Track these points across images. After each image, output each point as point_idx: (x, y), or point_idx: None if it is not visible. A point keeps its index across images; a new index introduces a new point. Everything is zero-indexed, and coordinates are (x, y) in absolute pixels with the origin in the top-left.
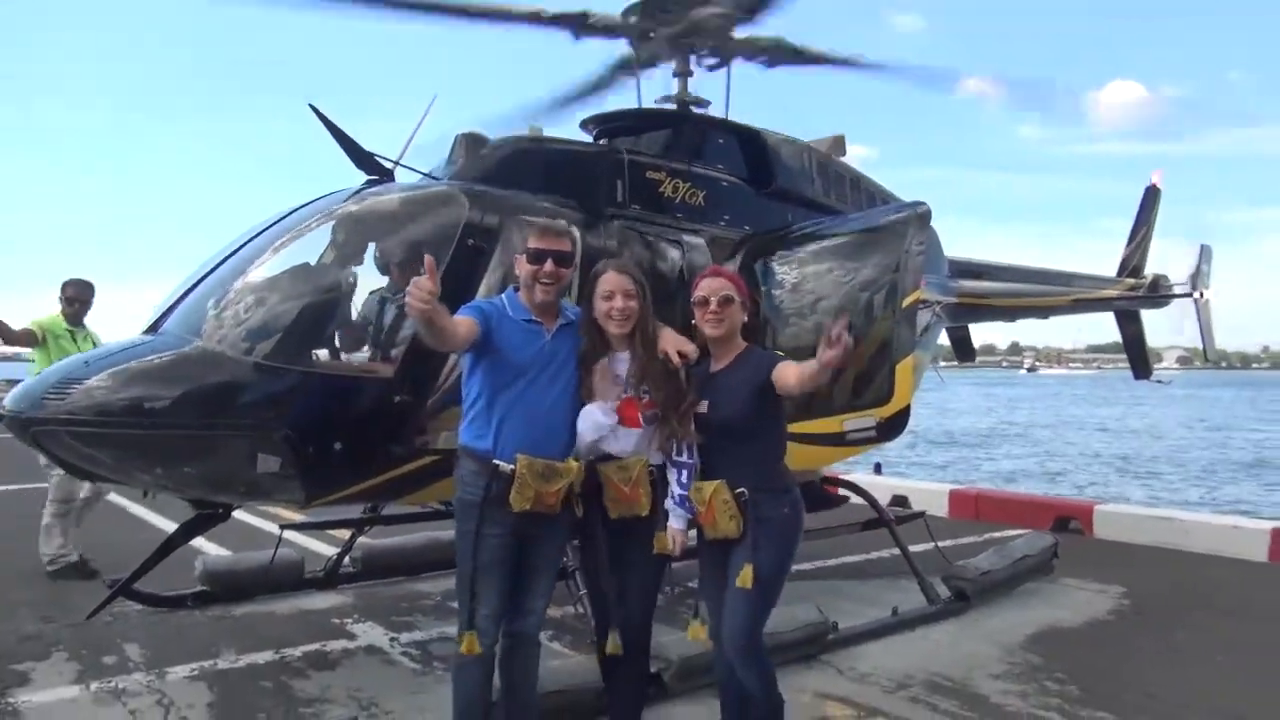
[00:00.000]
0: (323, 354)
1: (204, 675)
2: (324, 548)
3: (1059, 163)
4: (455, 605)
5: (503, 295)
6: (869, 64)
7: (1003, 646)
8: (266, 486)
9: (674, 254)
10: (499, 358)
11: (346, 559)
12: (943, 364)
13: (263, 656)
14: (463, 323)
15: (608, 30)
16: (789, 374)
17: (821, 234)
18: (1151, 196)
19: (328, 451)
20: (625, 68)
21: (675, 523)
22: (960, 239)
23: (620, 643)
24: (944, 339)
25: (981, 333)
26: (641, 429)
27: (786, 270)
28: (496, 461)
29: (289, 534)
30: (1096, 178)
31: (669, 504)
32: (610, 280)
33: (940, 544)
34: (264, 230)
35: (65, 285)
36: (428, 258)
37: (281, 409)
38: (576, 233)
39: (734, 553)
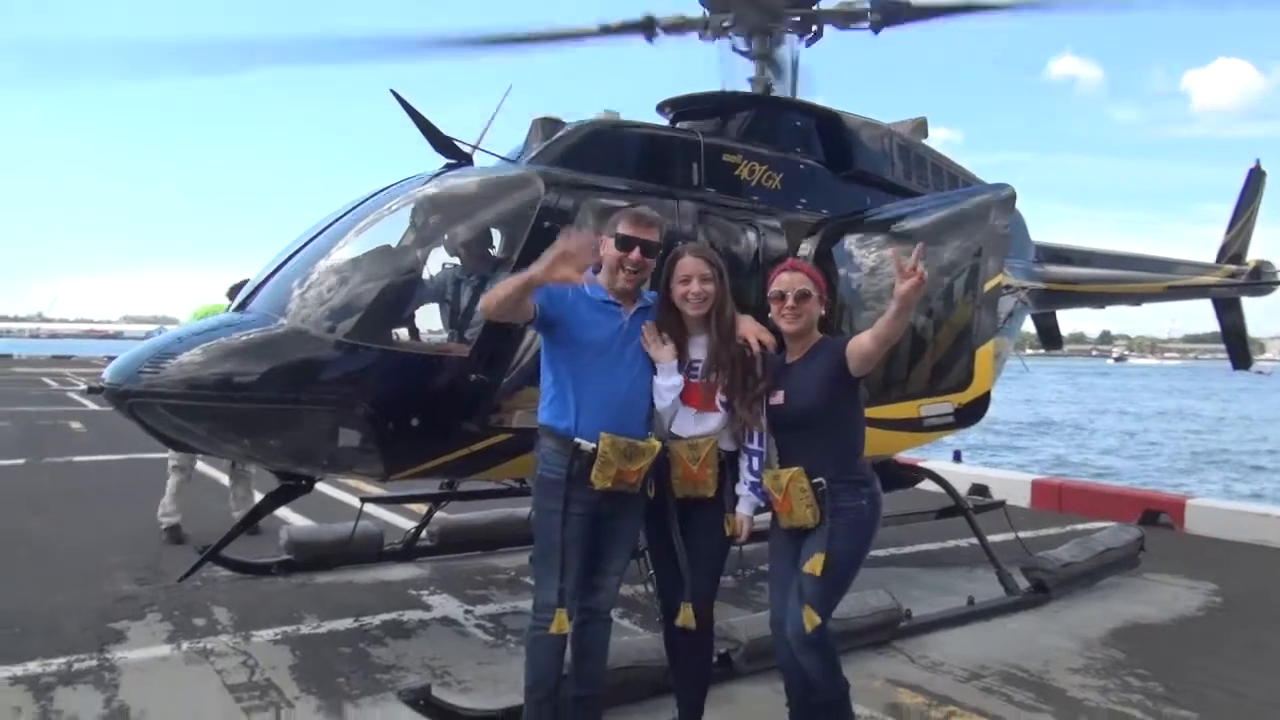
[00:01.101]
0: (402, 333)
1: (287, 639)
2: (403, 522)
3: (1155, 147)
4: (529, 580)
5: (585, 284)
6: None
7: (1083, 640)
8: (347, 460)
9: (750, 237)
10: (576, 337)
11: (424, 533)
12: (1028, 352)
13: (342, 624)
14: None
15: (679, 28)
16: (862, 339)
17: (900, 217)
18: (1255, 180)
19: (406, 427)
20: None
21: (744, 508)
22: (1047, 224)
23: (692, 614)
24: (1030, 326)
25: (1072, 321)
26: (713, 413)
27: (864, 254)
28: (578, 440)
29: (369, 507)
30: (1196, 162)
31: (740, 489)
32: (688, 264)
33: (1020, 534)
34: (346, 213)
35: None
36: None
37: (362, 385)
38: (665, 224)
39: (807, 541)
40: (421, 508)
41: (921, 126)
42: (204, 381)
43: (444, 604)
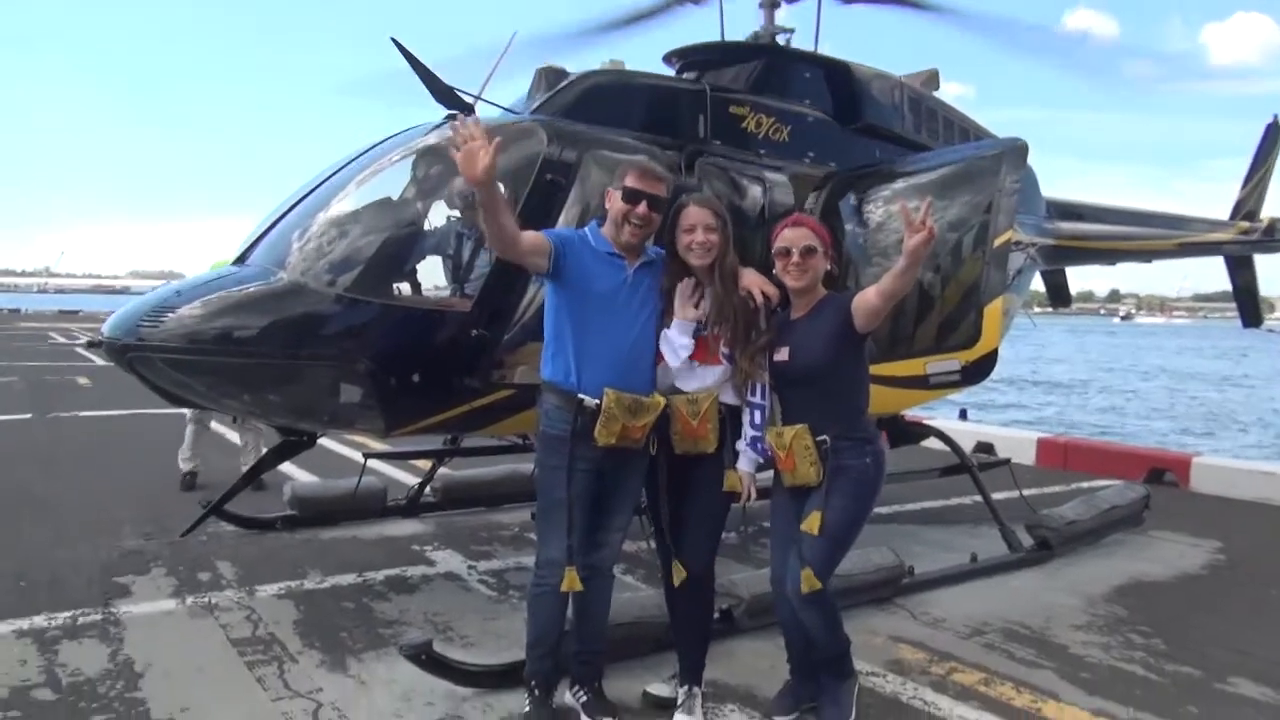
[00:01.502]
0: (403, 287)
1: (291, 594)
2: (407, 477)
3: (1168, 102)
4: (533, 536)
5: (586, 228)
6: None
7: (1086, 597)
8: (348, 415)
9: (756, 191)
10: (579, 289)
11: (427, 489)
12: (1035, 310)
13: (346, 579)
14: (529, 234)
15: None
16: (868, 294)
17: (909, 171)
18: (1272, 136)
19: (407, 383)
20: None
21: (745, 464)
22: (1057, 180)
23: (684, 571)
24: (1039, 283)
25: (1080, 279)
26: (715, 365)
27: (872, 208)
28: (581, 396)
29: (373, 463)
30: (1209, 118)
31: (741, 445)
32: (692, 214)
33: (1025, 492)
34: (346, 165)
35: None
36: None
37: (362, 340)
38: (672, 179)
39: (809, 499)
40: (426, 464)
41: (933, 79)
42: (203, 335)
43: (447, 560)
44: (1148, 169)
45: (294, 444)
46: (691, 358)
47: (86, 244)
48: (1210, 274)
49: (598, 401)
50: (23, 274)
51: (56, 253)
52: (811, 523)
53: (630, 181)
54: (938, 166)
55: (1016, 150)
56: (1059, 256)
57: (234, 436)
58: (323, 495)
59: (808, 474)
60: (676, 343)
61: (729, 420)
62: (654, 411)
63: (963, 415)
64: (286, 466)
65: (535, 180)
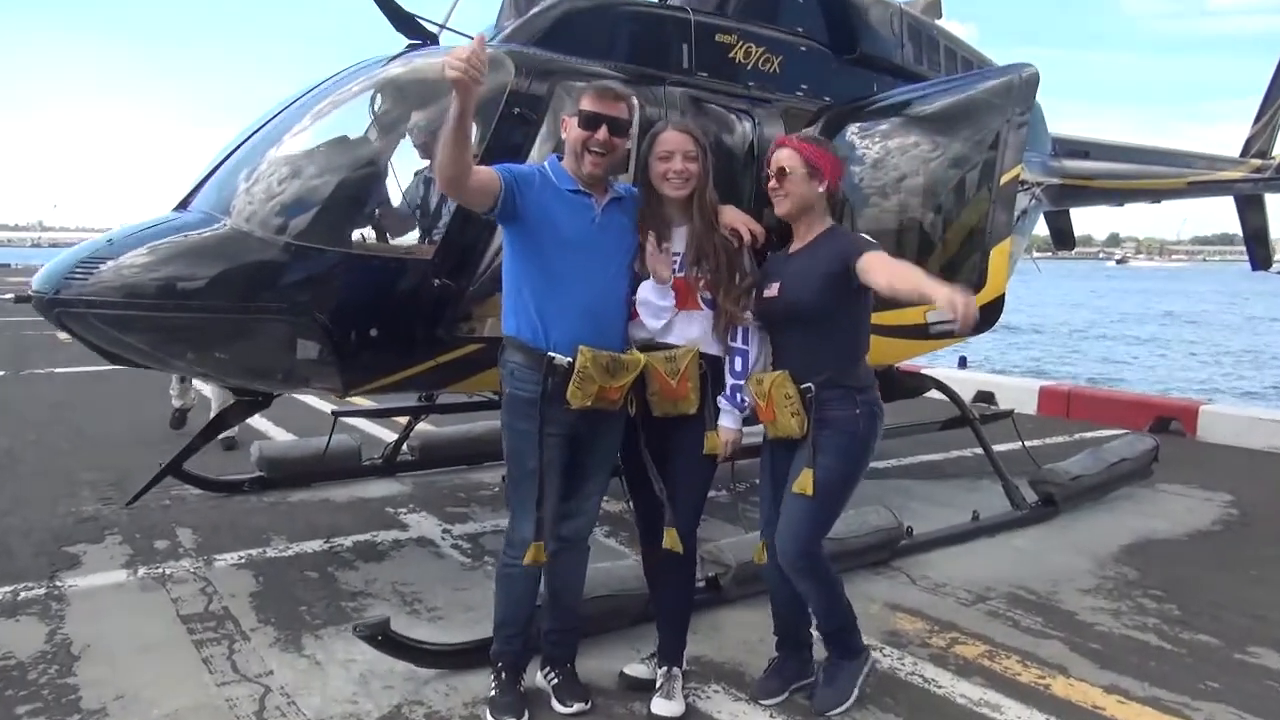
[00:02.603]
0: (357, 233)
1: (251, 563)
2: (386, 434)
3: (1171, 40)
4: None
5: (544, 163)
6: None
7: (1093, 558)
8: (301, 373)
9: (745, 126)
10: (541, 233)
11: (404, 447)
12: (1035, 255)
13: (312, 545)
14: (481, 169)
15: None
16: (877, 273)
17: (909, 103)
18: None
19: (364, 337)
20: None
21: (726, 420)
22: (1060, 122)
23: (678, 539)
24: (1042, 226)
25: (1079, 222)
26: (696, 311)
27: (869, 144)
28: (551, 354)
29: (352, 421)
30: (1213, 56)
31: (721, 399)
32: (669, 139)
33: (1028, 444)
34: (298, 100)
35: None
36: (479, 34)
37: (312, 292)
38: (635, 100)
39: (797, 455)
40: (404, 420)
41: (935, 6)
42: (135, 288)
43: (421, 523)
44: (1148, 110)
45: (248, 404)
46: (677, 302)
47: (81, 196)
48: (1209, 216)
49: (570, 360)
50: (16, 228)
51: (49, 205)
52: (804, 482)
53: (587, 104)
54: (940, 97)
55: (1026, 79)
56: (1064, 197)
57: None
58: (292, 455)
59: (789, 425)
60: (656, 305)
61: (710, 376)
62: (633, 370)
63: (962, 363)
64: (263, 424)
65: (502, 114)
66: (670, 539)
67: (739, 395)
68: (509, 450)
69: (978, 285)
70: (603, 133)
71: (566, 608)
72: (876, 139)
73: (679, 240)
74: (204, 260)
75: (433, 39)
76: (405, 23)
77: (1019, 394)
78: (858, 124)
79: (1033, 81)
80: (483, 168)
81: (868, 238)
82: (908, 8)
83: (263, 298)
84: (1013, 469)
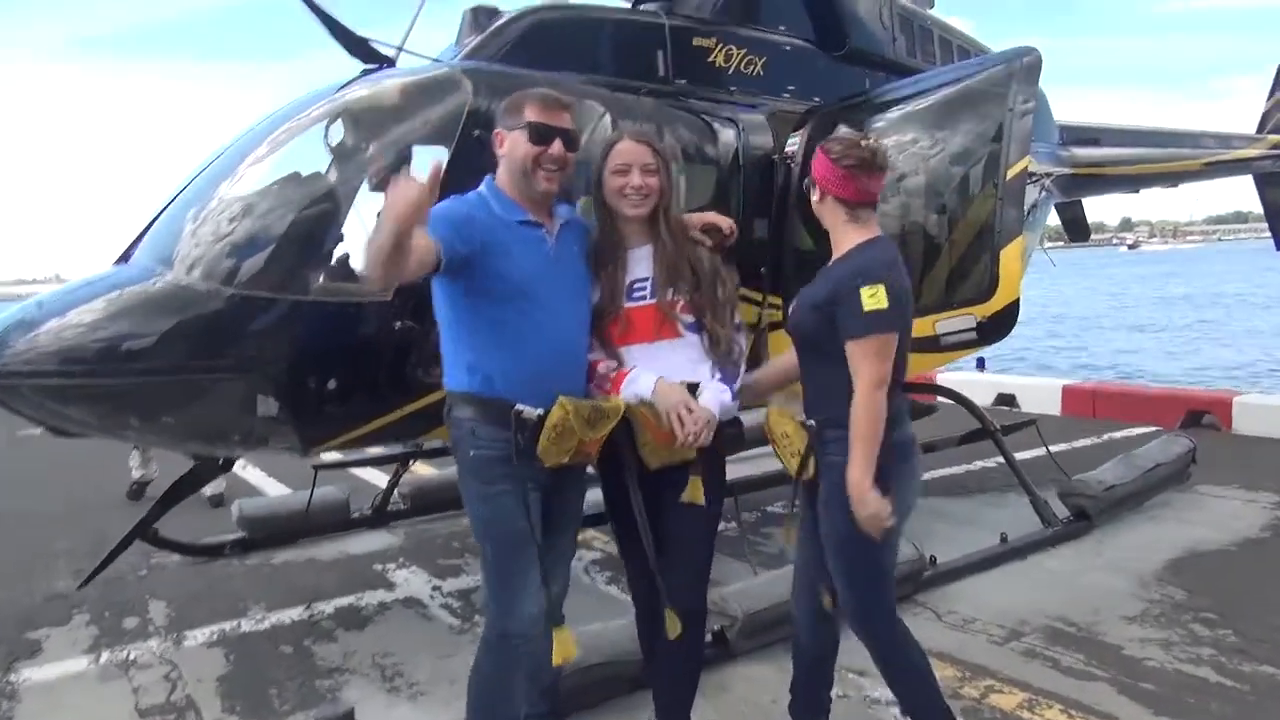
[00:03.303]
0: (305, 278)
1: (223, 640)
2: (380, 480)
3: (1172, 21)
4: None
5: (480, 190)
6: None
7: (1135, 577)
8: (256, 433)
9: (729, 135)
10: (495, 275)
11: (395, 494)
12: (1046, 246)
13: (290, 614)
14: (419, 247)
15: None
16: (849, 354)
17: (904, 98)
18: None
19: (321, 390)
20: None
21: (709, 400)
22: (1065, 110)
23: (680, 623)
24: (1054, 218)
25: (1091, 209)
26: (676, 339)
27: None
28: (520, 407)
29: (351, 472)
30: (1216, 33)
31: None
32: (625, 151)
33: (1054, 448)
34: (245, 138)
35: None
36: (434, 162)
37: (258, 345)
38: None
39: (816, 498)
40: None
41: None
42: (70, 354)
43: (410, 580)
44: (1155, 92)
45: (205, 468)
46: (641, 337)
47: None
48: (1222, 195)
49: (541, 412)
50: None
51: None
52: (826, 535)
53: (533, 115)
54: (936, 89)
55: (1027, 65)
56: (1076, 186)
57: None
58: (276, 513)
59: (791, 466)
60: (643, 384)
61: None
62: (615, 417)
63: (980, 365)
64: (255, 475)
65: (460, 138)
66: (671, 623)
67: (729, 370)
68: (488, 518)
69: (989, 290)
70: (557, 147)
71: (544, 689)
72: (873, 138)
73: (640, 264)
74: (141, 318)
75: (389, 62)
76: (358, 47)
77: (1041, 395)
78: (850, 124)
79: (1035, 67)
80: (421, 244)
81: (884, 271)
82: None
83: (204, 355)
84: (1040, 480)
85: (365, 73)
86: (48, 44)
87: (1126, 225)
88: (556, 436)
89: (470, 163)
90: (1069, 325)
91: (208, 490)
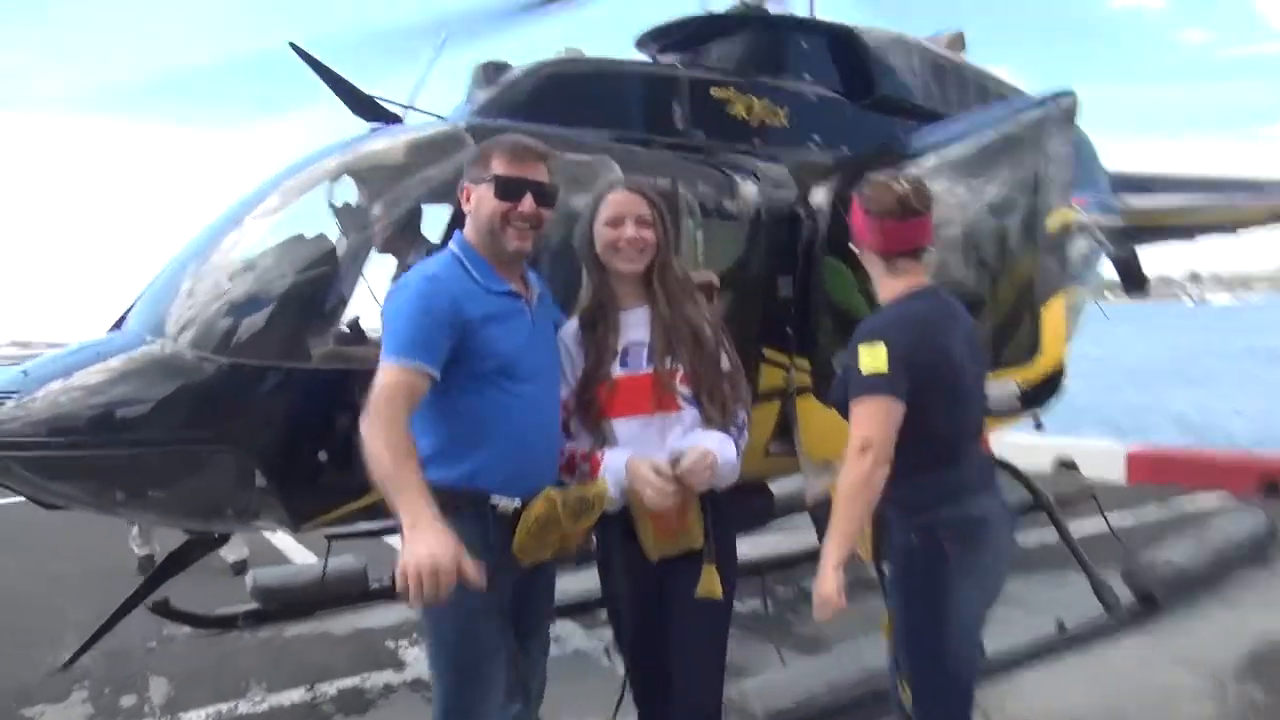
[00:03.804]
0: (295, 346)
1: None
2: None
3: (1225, 68)
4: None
5: (450, 253)
6: None
7: (1209, 674)
8: (243, 508)
9: (749, 188)
10: (480, 350)
11: None
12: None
13: (292, 695)
14: (406, 405)
15: None
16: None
17: (934, 146)
18: None
19: (309, 464)
20: None
21: (708, 440)
22: (1115, 157)
23: None
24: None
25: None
26: (673, 413)
27: None
28: (496, 499)
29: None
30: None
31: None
32: (618, 201)
33: (1118, 521)
34: (241, 201)
35: None
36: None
37: (245, 416)
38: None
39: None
40: None
41: (959, 41)
42: (57, 426)
43: (421, 659)
44: (1209, 138)
45: (198, 543)
46: (639, 409)
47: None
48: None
49: (518, 504)
50: None
51: None
52: (883, 623)
53: (502, 167)
54: (968, 136)
55: (1064, 107)
56: (1129, 237)
57: None
58: (291, 584)
59: (863, 551)
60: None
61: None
62: (600, 506)
63: (1038, 425)
64: (286, 543)
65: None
66: None
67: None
68: (448, 637)
69: (1031, 352)
70: (528, 203)
71: None
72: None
73: (635, 327)
74: (127, 388)
75: (395, 119)
76: (364, 105)
77: (1104, 459)
78: (874, 173)
79: (1070, 110)
80: (404, 403)
81: (871, 357)
82: (929, 43)
83: (190, 426)
84: (1101, 557)
85: (373, 131)
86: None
87: (1190, 277)
88: (539, 530)
89: None
90: (1133, 380)
91: (230, 556)
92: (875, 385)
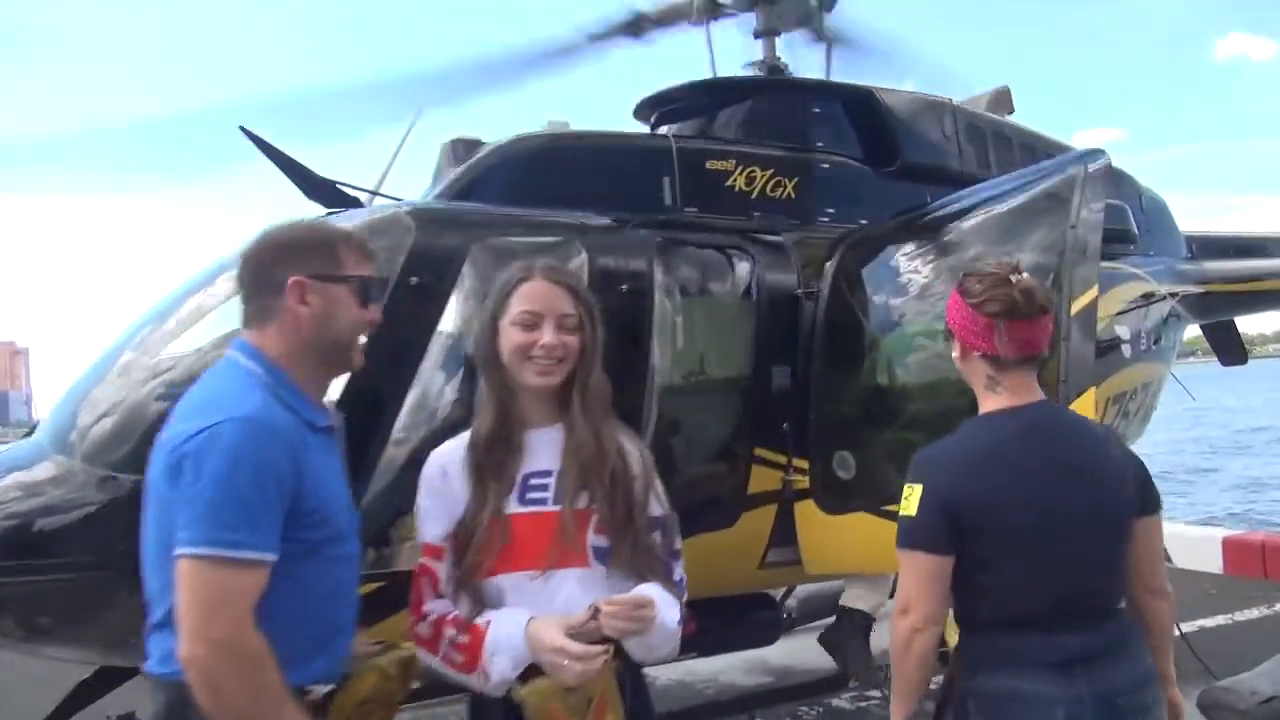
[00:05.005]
0: None
1: None
2: None
3: None
4: None
5: (255, 372)
6: None
7: None
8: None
9: (741, 268)
10: (309, 511)
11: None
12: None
13: None
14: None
15: (668, 20)
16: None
17: (943, 217)
18: None
19: None
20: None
21: (649, 591)
22: (1227, 215)
23: None
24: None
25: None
26: (578, 569)
27: (897, 275)
28: (309, 687)
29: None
30: None
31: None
32: (535, 294)
33: (1210, 622)
34: (161, 302)
35: None
36: None
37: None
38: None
39: None
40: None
41: (1003, 98)
42: None
43: None
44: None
45: (112, 672)
46: (534, 558)
47: None
48: None
49: (331, 687)
50: None
51: None
52: None
53: (363, 265)
54: (979, 206)
55: (1092, 171)
56: (1213, 306)
57: None
58: None
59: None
60: (520, 654)
61: (625, 664)
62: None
63: None
64: None
65: (397, 285)
66: None
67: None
68: None
69: None
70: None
71: None
72: (904, 270)
73: (544, 451)
74: (19, 507)
75: (355, 203)
76: (321, 191)
77: (1198, 546)
78: (882, 251)
79: (1101, 174)
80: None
81: (906, 498)
82: (970, 103)
83: (79, 550)
84: (1181, 674)
85: (330, 214)
86: None
87: None
88: (365, 713)
89: (411, 312)
90: (1230, 458)
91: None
92: (904, 534)
